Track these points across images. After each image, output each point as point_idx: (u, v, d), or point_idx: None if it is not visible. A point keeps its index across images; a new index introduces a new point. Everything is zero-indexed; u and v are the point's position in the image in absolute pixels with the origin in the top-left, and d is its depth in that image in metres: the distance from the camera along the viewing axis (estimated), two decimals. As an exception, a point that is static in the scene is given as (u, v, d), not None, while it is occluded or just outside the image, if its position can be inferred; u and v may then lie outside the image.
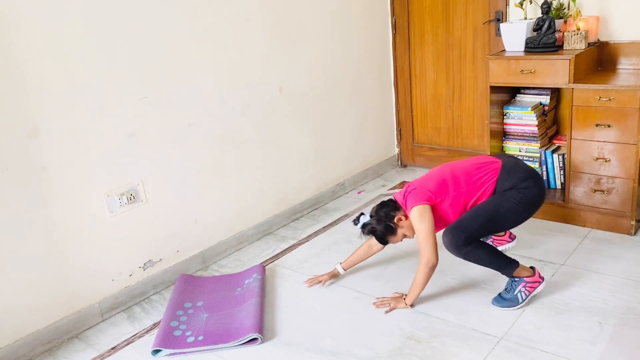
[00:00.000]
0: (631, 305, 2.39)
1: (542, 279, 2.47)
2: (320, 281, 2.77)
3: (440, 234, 2.42)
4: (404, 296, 2.53)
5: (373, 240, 2.68)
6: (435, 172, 2.52)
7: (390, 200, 2.54)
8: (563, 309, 2.41)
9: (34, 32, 2.30)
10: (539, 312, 2.40)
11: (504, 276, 2.47)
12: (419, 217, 2.37)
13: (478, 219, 2.37)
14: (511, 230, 2.92)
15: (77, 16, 2.42)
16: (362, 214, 2.55)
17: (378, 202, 2.60)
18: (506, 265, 2.42)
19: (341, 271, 2.79)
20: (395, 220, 2.46)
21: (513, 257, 2.46)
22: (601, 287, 2.54)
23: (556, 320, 2.34)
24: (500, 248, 2.87)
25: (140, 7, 2.63)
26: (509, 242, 2.90)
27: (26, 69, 2.30)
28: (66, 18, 2.39)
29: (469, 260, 2.42)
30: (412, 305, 2.50)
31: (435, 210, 2.41)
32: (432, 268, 2.39)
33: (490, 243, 2.88)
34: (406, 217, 2.46)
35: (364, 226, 2.51)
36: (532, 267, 2.48)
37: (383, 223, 2.47)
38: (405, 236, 2.53)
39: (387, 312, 2.49)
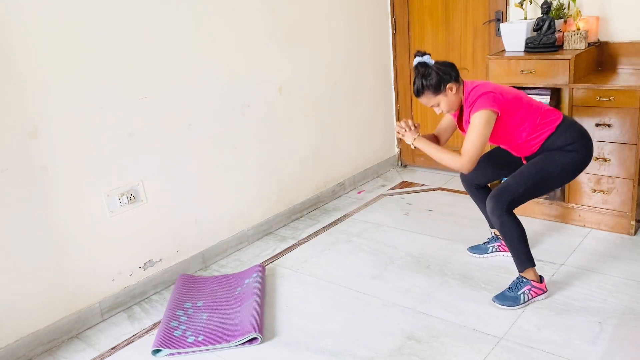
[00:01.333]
0: (631, 305, 2.39)
1: (546, 290, 2.48)
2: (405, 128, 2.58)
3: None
4: (419, 135, 2.48)
5: (439, 131, 2.64)
6: (511, 89, 2.40)
7: (456, 67, 2.39)
8: (563, 309, 2.41)
9: (34, 32, 2.30)
10: (539, 312, 2.41)
11: (509, 276, 2.46)
12: (482, 122, 2.26)
13: (525, 183, 2.35)
14: None
15: (77, 16, 2.42)
16: (429, 54, 2.37)
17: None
18: (526, 258, 2.44)
19: (417, 135, 2.55)
20: (448, 85, 2.34)
21: (540, 275, 2.49)
22: (601, 287, 2.54)
23: (556, 320, 2.34)
24: (505, 254, 2.85)
25: (140, 7, 2.63)
26: None
27: (26, 69, 2.30)
28: (66, 18, 2.39)
29: (504, 230, 2.40)
30: (413, 147, 2.48)
31: (499, 118, 2.32)
32: (458, 169, 2.37)
33: (497, 248, 2.87)
34: (456, 91, 2.36)
35: (422, 64, 2.34)
36: (540, 276, 2.49)
37: (439, 76, 2.32)
38: (437, 105, 2.40)
39: (397, 136, 2.55)
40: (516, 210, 2.43)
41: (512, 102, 2.34)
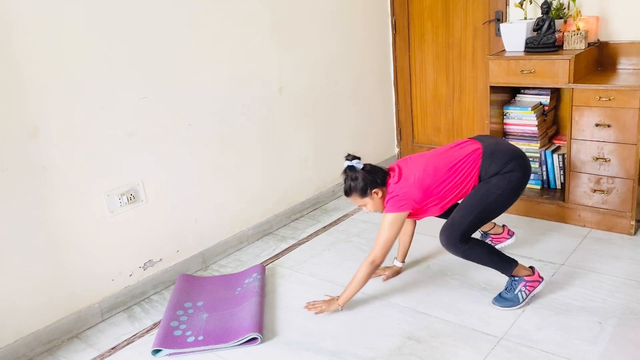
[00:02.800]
0: (631, 305, 2.39)
1: (542, 278, 2.47)
2: (381, 275, 2.77)
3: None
4: (336, 298, 2.52)
5: (404, 227, 2.68)
6: (420, 170, 2.43)
7: (385, 172, 2.50)
8: (563, 309, 2.41)
9: (34, 32, 2.30)
10: (539, 312, 2.41)
11: (504, 276, 2.47)
12: (390, 224, 2.38)
13: (469, 214, 2.37)
14: (508, 227, 2.92)
15: (77, 16, 2.42)
16: (359, 158, 2.48)
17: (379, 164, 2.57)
18: (505, 263, 2.42)
19: (399, 264, 2.79)
20: (374, 190, 2.44)
21: (530, 266, 2.47)
22: (601, 287, 2.54)
23: (556, 320, 2.34)
24: (499, 246, 2.87)
25: (140, 7, 2.63)
26: (508, 238, 2.89)
27: (26, 69, 2.30)
28: (66, 18, 2.39)
29: (469, 259, 2.42)
30: (342, 307, 2.50)
31: (419, 210, 2.43)
32: (376, 267, 2.43)
33: (490, 242, 2.88)
34: (381, 197, 2.45)
35: (351, 168, 2.45)
36: (531, 267, 2.48)
37: (365, 182, 2.42)
38: (365, 206, 2.50)
39: (317, 313, 2.50)
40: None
41: (422, 195, 2.39)
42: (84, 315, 2.62)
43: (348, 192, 2.49)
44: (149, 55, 2.70)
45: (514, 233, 2.91)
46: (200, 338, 2.41)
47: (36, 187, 2.39)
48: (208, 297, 2.73)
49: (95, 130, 2.55)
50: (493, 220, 2.80)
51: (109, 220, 2.66)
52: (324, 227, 3.48)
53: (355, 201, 2.51)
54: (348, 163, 2.46)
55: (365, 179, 2.43)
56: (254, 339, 2.38)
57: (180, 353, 2.36)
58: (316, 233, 3.41)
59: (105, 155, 2.60)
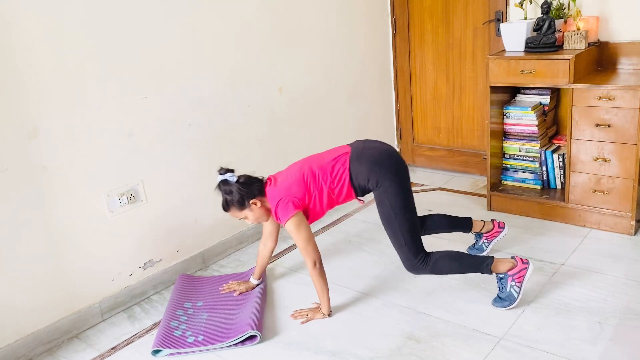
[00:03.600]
0: (631, 305, 2.39)
1: (527, 262, 2.42)
2: (235, 290, 2.75)
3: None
4: (319, 307, 2.51)
5: (264, 239, 2.69)
6: (295, 172, 2.45)
7: (261, 180, 2.48)
8: (563, 309, 2.41)
9: (34, 32, 2.30)
10: (539, 312, 2.41)
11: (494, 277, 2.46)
12: (295, 228, 2.36)
13: (400, 241, 2.39)
14: (497, 220, 2.90)
15: (77, 16, 2.42)
16: (232, 170, 2.46)
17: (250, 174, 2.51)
18: (479, 264, 2.41)
19: (255, 282, 2.76)
20: (251, 201, 2.42)
21: (511, 257, 2.45)
22: (601, 287, 2.54)
23: (556, 320, 2.34)
24: (495, 240, 2.86)
25: (140, 7, 2.63)
26: (501, 231, 2.86)
27: (26, 69, 2.30)
28: (66, 18, 2.39)
29: (441, 274, 2.46)
30: (329, 314, 2.49)
31: (305, 211, 2.43)
32: (320, 266, 2.40)
33: (485, 241, 2.88)
34: (261, 206, 2.43)
35: (224, 182, 2.42)
36: (512, 257, 2.44)
37: (241, 194, 2.40)
38: (245, 218, 2.48)
39: (303, 322, 2.47)
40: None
41: (301, 191, 2.40)
42: (84, 315, 2.62)
43: (225, 207, 2.45)
44: (149, 55, 2.70)
45: (504, 224, 2.88)
46: (200, 338, 2.41)
47: (36, 187, 2.39)
48: (208, 297, 2.73)
49: (95, 130, 2.55)
50: (479, 220, 2.84)
51: (109, 220, 2.66)
52: (324, 227, 3.48)
53: (234, 215, 2.47)
54: (221, 177, 2.44)
55: (241, 191, 2.40)
56: (253, 337, 2.38)
57: (180, 353, 2.36)
58: (316, 233, 3.41)
59: (105, 155, 2.60)
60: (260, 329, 2.42)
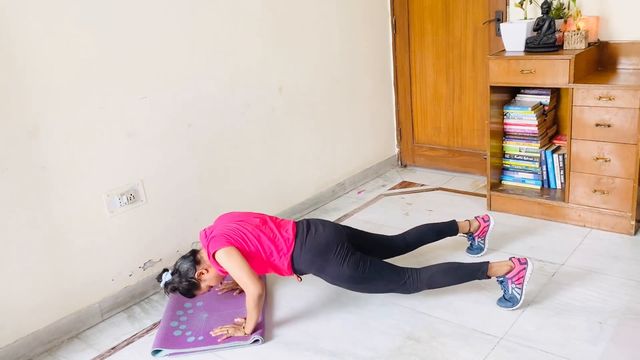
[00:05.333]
0: (631, 305, 2.39)
1: (525, 262, 2.39)
2: (234, 289, 2.75)
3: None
4: (243, 325, 2.43)
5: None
6: (235, 222, 2.46)
7: (192, 252, 2.49)
8: (563, 309, 2.41)
9: (34, 32, 2.30)
10: (539, 312, 2.41)
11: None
12: (226, 258, 2.31)
13: (371, 290, 2.44)
14: (481, 214, 2.91)
15: (78, 16, 2.42)
16: (165, 270, 2.48)
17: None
18: (475, 272, 2.41)
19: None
20: (197, 275, 2.42)
21: (509, 259, 2.44)
22: (601, 287, 2.54)
23: (556, 320, 2.34)
24: (488, 233, 2.86)
25: (141, 7, 2.63)
26: (488, 224, 2.86)
27: (26, 69, 2.30)
28: (66, 18, 2.39)
29: (438, 287, 2.46)
30: (249, 334, 2.38)
31: (242, 248, 2.39)
32: (260, 297, 2.30)
33: (479, 240, 2.88)
34: (207, 270, 2.43)
35: (165, 285, 2.45)
36: (510, 259, 2.43)
37: (185, 280, 2.42)
38: (211, 287, 2.51)
39: (221, 340, 2.37)
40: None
41: (235, 233, 2.38)
42: (84, 315, 2.62)
43: (190, 296, 2.47)
44: (149, 55, 2.70)
45: (488, 216, 2.87)
46: (200, 338, 2.41)
47: (36, 187, 2.39)
48: (208, 297, 2.73)
49: (95, 130, 2.55)
50: (465, 220, 2.85)
51: (109, 220, 2.66)
52: (324, 227, 3.48)
53: (199, 294, 2.49)
54: (161, 283, 2.46)
55: (181, 280, 2.42)
56: (255, 340, 2.38)
57: (180, 353, 2.36)
58: (316, 233, 3.40)
59: (105, 155, 2.60)
60: (262, 332, 2.41)
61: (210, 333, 2.43)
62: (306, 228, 2.50)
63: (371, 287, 2.44)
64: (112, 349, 2.48)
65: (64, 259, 2.52)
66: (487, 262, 2.42)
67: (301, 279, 2.55)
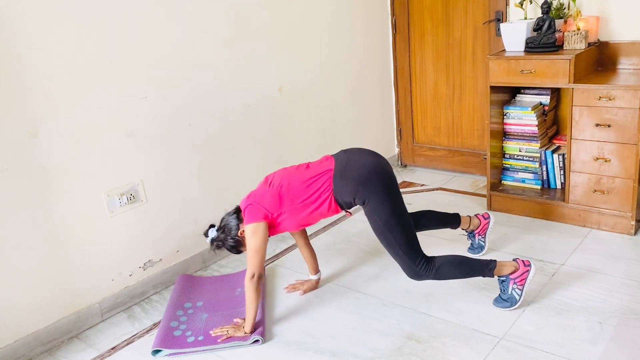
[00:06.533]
0: (631, 305, 2.39)
1: (529, 264, 2.41)
2: (299, 289, 2.75)
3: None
4: (242, 325, 2.43)
5: (296, 238, 2.69)
6: (276, 184, 2.44)
7: (235, 209, 2.49)
8: (563, 309, 2.41)
9: (34, 32, 2.30)
10: (539, 312, 2.41)
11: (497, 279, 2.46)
12: (251, 234, 2.34)
13: (397, 251, 2.35)
14: (479, 214, 2.90)
15: (78, 16, 2.42)
16: (211, 226, 2.51)
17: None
18: (482, 268, 2.40)
19: (315, 277, 2.76)
20: (239, 233, 2.43)
21: (513, 260, 2.45)
22: (601, 287, 2.54)
23: (556, 320, 2.34)
24: (488, 231, 2.87)
25: (141, 7, 2.63)
26: (488, 221, 2.86)
27: (26, 69, 2.30)
28: (66, 18, 2.39)
29: (443, 279, 2.42)
30: (249, 332, 2.38)
31: (273, 223, 2.40)
32: (258, 280, 2.34)
33: (479, 238, 2.88)
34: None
35: (212, 241, 2.48)
36: (514, 260, 2.44)
37: (230, 238, 2.44)
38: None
39: (222, 340, 2.38)
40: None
41: (273, 203, 2.37)
42: (84, 315, 2.62)
43: (235, 252, 2.50)
44: (149, 55, 2.70)
45: (488, 214, 2.88)
46: (200, 338, 2.41)
47: (36, 187, 2.39)
48: (208, 298, 2.73)
49: (95, 130, 2.55)
50: (465, 216, 2.84)
51: (109, 221, 2.66)
52: (324, 227, 3.48)
53: (245, 250, 2.47)
54: (208, 239, 2.49)
55: (226, 234, 2.44)
56: (255, 341, 2.38)
57: (180, 353, 2.36)
58: (316, 233, 3.40)
59: (105, 155, 2.60)
60: (262, 332, 2.42)
61: (210, 333, 2.44)
62: (345, 156, 2.48)
63: (394, 243, 2.35)
64: (112, 349, 2.48)
65: (64, 258, 2.52)
66: (495, 261, 2.40)
67: (351, 214, 2.53)
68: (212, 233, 2.49)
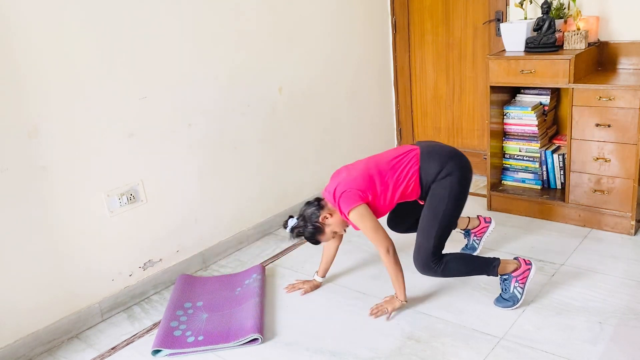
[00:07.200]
0: (631, 305, 2.39)
1: (530, 263, 2.43)
2: (300, 289, 2.75)
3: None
4: (395, 295, 2.48)
5: (326, 244, 2.69)
6: (360, 167, 2.46)
7: (316, 199, 2.52)
8: (563, 309, 2.41)
9: (34, 32, 2.30)
10: (539, 312, 2.41)
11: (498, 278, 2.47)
12: (359, 218, 2.35)
13: (430, 235, 2.37)
14: (482, 216, 2.90)
15: (77, 16, 2.42)
16: (290, 216, 2.53)
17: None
18: (487, 266, 2.41)
19: (319, 279, 2.77)
20: (320, 219, 2.44)
21: (514, 258, 2.46)
22: (601, 287, 2.54)
23: (556, 320, 2.34)
24: (485, 236, 2.87)
25: (141, 7, 2.63)
26: (488, 226, 2.87)
27: (26, 69, 2.30)
28: (66, 18, 2.39)
29: (448, 276, 2.44)
30: (405, 300, 2.46)
31: (370, 204, 2.41)
32: (394, 253, 2.38)
33: (474, 238, 2.88)
34: (331, 214, 2.45)
35: (292, 230, 2.50)
36: (515, 258, 2.45)
37: (310, 224, 2.45)
38: (335, 233, 2.52)
39: (388, 318, 2.45)
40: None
41: (365, 184, 2.39)
42: (84, 315, 2.62)
43: (313, 242, 2.51)
44: (149, 55, 2.70)
45: (490, 219, 2.89)
46: (200, 338, 2.42)
47: (36, 187, 2.39)
48: (208, 298, 2.73)
49: (95, 130, 2.55)
50: (464, 216, 2.82)
51: (109, 220, 2.66)
52: (324, 227, 3.48)
53: (325, 240, 2.52)
54: (288, 229, 2.50)
55: (306, 224, 2.45)
56: (254, 339, 2.38)
57: (180, 353, 2.36)
58: (316, 233, 3.40)
59: (105, 155, 2.60)
60: (261, 330, 2.42)
61: (369, 316, 2.46)
62: (427, 142, 2.54)
63: (432, 230, 2.38)
64: (112, 349, 2.48)
65: (64, 259, 2.52)
66: (499, 259, 2.42)
67: (423, 203, 2.53)
68: (292, 222, 2.50)
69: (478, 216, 2.89)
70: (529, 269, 2.42)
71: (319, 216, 2.44)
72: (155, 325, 2.61)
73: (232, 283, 2.86)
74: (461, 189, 2.41)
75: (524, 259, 2.44)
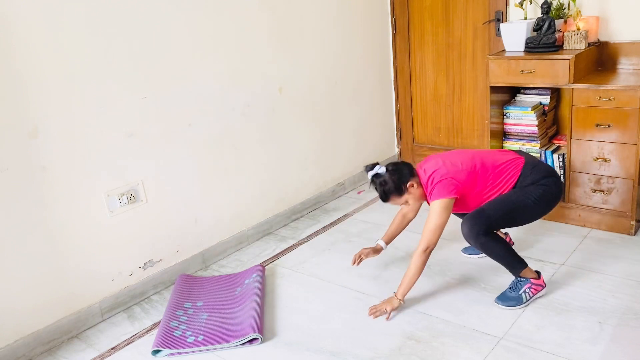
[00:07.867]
0: (631, 305, 2.39)
1: (545, 284, 2.48)
2: (362, 254, 2.77)
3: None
4: (395, 294, 2.47)
5: (405, 209, 2.69)
6: (466, 159, 2.47)
7: (409, 164, 2.53)
8: (563, 309, 2.41)
9: (34, 32, 2.30)
10: (539, 312, 2.41)
11: (509, 275, 2.47)
12: (440, 210, 2.36)
13: (500, 211, 2.38)
14: (509, 233, 2.92)
15: (77, 16, 2.42)
16: (377, 163, 2.52)
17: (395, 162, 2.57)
18: (516, 263, 2.44)
19: (384, 246, 2.79)
20: (407, 184, 2.45)
21: (536, 271, 2.49)
22: (601, 287, 2.54)
23: (556, 320, 2.34)
24: None
25: (141, 7, 2.63)
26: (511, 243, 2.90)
27: (26, 69, 2.30)
28: (66, 18, 2.39)
29: (483, 251, 2.43)
30: (403, 301, 2.45)
31: (459, 197, 2.41)
32: (428, 255, 2.39)
33: None
34: (419, 184, 2.46)
35: (377, 175, 2.46)
36: (537, 272, 2.49)
37: (395, 181, 2.44)
38: (406, 202, 2.52)
39: (388, 319, 2.45)
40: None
41: (468, 179, 2.41)
42: (84, 315, 2.62)
43: (384, 198, 2.50)
44: (148, 55, 2.70)
45: (513, 243, 2.93)
46: (200, 338, 2.42)
47: (36, 187, 2.39)
48: (208, 297, 2.73)
49: (95, 130, 2.55)
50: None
51: (109, 220, 2.66)
52: (324, 227, 3.48)
53: (395, 202, 2.52)
54: (371, 173, 2.48)
55: (394, 179, 2.44)
56: (254, 339, 2.38)
57: (180, 353, 2.36)
58: (316, 233, 3.41)
59: (105, 155, 2.60)
60: (261, 330, 2.42)
61: (368, 316, 2.46)
62: (531, 157, 2.57)
63: (505, 207, 2.40)
64: (112, 349, 2.48)
65: (64, 259, 2.52)
66: (527, 264, 2.45)
67: None
68: (380, 169, 2.47)
69: (506, 233, 2.93)
70: (543, 287, 2.47)
71: (408, 180, 2.45)
72: (155, 325, 2.61)
73: (232, 283, 2.86)
74: (549, 200, 2.44)
75: (543, 278, 2.49)
